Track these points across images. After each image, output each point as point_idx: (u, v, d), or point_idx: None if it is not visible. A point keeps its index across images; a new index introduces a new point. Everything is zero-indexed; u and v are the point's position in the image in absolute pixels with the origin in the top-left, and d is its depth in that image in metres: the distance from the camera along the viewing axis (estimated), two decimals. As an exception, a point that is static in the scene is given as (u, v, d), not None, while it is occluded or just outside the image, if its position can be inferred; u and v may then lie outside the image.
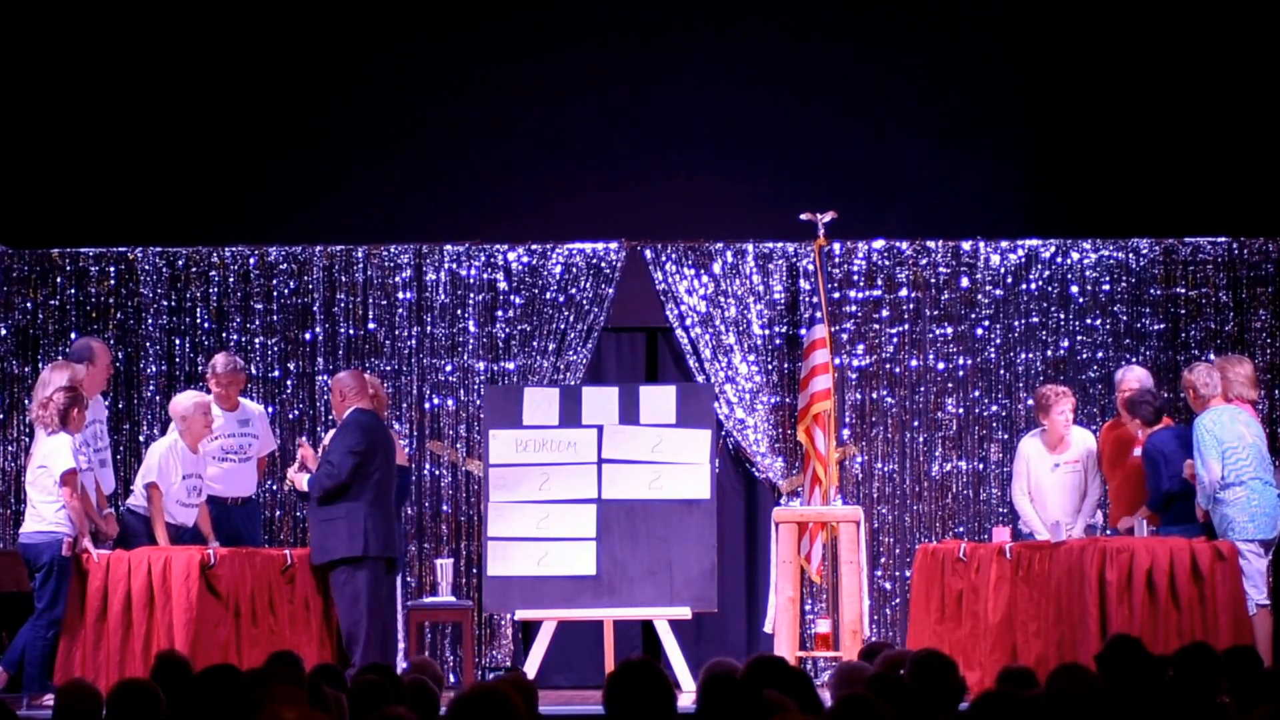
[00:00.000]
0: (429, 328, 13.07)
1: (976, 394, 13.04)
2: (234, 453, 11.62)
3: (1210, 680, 6.35)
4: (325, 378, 12.96)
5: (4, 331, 13.03)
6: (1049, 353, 13.03)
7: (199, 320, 13.06)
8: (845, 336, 13.01)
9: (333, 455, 10.96)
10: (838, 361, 12.75)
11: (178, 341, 13.05)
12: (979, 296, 13.08)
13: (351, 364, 12.85)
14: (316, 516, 10.98)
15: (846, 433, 12.96)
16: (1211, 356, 12.20)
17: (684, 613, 11.80)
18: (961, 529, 12.87)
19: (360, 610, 10.77)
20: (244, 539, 11.39)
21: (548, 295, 13.06)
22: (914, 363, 13.06)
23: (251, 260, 13.10)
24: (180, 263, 13.09)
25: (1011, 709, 5.32)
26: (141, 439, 12.81)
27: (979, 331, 13.07)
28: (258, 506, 12.11)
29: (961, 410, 13.02)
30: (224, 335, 13.01)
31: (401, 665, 11.11)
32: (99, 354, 11.44)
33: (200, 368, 12.70)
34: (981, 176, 13.30)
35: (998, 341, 13.06)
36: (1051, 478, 11.63)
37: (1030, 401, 12.62)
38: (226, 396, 11.68)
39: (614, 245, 13.09)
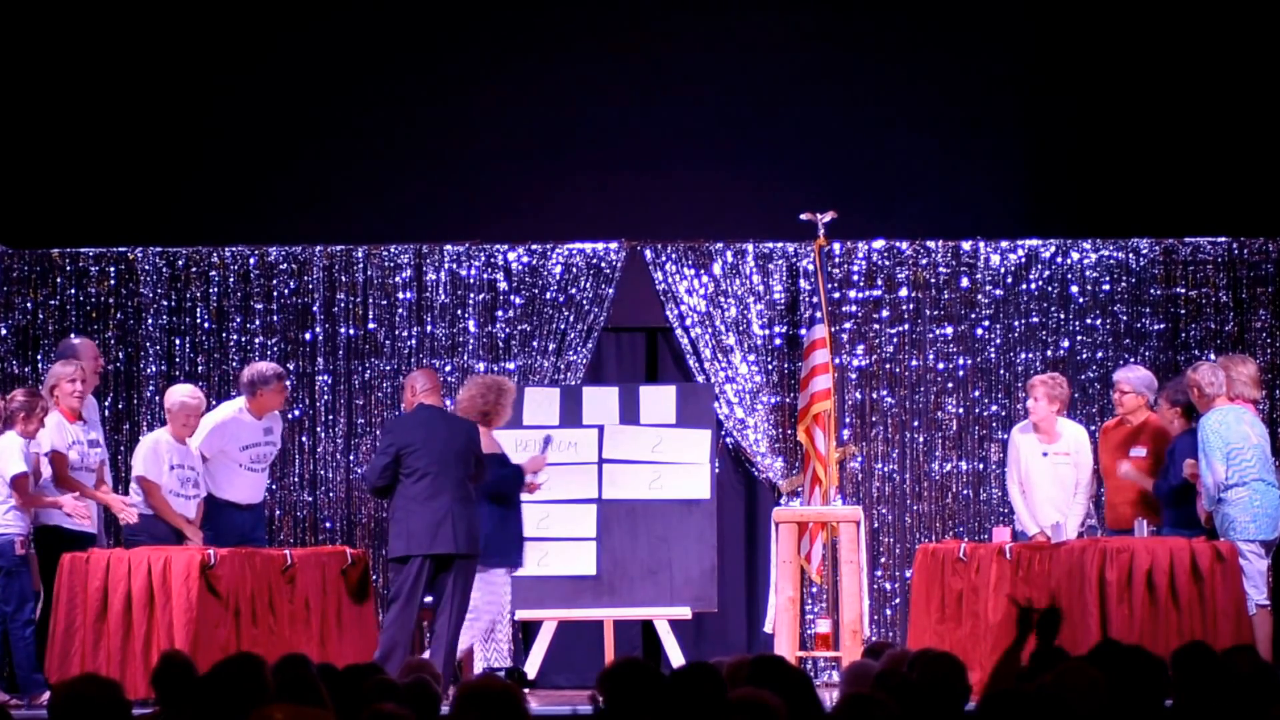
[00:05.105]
0: (429, 328, 13.06)
1: (976, 394, 13.04)
2: (259, 461, 11.56)
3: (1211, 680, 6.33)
4: (325, 378, 12.98)
5: (4, 331, 13.02)
6: (1049, 353, 13.02)
7: (199, 320, 13.05)
8: (845, 336, 13.00)
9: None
10: (838, 361, 12.75)
11: (178, 341, 13.04)
12: (979, 296, 13.07)
13: (351, 364, 12.86)
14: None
15: (846, 433, 12.96)
16: (1212, 356, 12.18)
17: (684, 613, 11.80)
18: (961, 529, 12.86)
19: (392, 609, 10.71)
20: (249, 540, 11.37)
21: (548, 295, 13.05)
22: (914, 363, 13.05)
23: (251, 260, 13.10)
24: (180, 263, 13.09)
25: (1018, 706, 5.31)
26: (142, 439, 12.80)
27: (979, 331, 13.07)
28: (263, 508, 12.10)
29: (961, 410, 13.01)
30: (224, 335, 13.01)
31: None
32: (83, 351, 11.43)
33: (200, 368, 12.70)
34: (981, 176, 13.29)
35: (998, 341, 13.06)
36: (1040, 465, 11.56)
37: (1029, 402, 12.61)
38: (266, 407, 11.55)
39: (614, 245, 13.08)
